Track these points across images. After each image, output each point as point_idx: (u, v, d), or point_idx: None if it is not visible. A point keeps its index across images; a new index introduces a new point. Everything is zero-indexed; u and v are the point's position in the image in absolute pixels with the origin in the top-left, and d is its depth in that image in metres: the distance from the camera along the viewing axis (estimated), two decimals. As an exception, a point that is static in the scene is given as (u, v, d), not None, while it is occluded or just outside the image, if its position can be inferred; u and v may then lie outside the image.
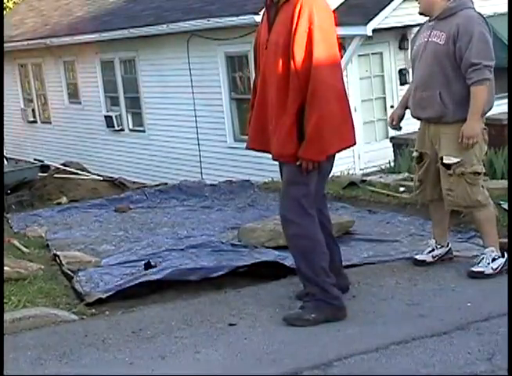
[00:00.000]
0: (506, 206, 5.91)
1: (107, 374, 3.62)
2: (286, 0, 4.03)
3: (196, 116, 13.26)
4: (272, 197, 8.13)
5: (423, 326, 3.95)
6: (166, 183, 10.59)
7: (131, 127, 15.23)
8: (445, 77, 4.65)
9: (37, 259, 5.73)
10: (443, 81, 4.66)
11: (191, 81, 13.16)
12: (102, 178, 12.44)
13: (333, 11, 4.19)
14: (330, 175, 4.54)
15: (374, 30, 11.19)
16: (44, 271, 5.28)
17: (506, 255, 4.73)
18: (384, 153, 11.47)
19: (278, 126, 4.05)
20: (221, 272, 4.90)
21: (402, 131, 5.37)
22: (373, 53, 12.40)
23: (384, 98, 12.68)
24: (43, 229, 7.29)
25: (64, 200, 10.68)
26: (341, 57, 5.82)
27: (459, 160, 4.63)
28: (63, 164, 13.42)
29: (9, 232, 7.06)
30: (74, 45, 15.42)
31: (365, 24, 11.05)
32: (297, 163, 4.01)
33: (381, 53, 12.54)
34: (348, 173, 9.82)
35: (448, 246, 5.06)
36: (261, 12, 4.71)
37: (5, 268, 4.99)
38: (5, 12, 22.50)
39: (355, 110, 11.57)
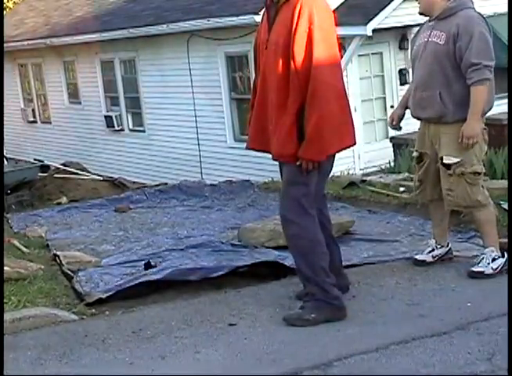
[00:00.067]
0: (506, 206, 5.91)
1: (107, 374, 3.62)
2: (286, 0, 4.03)
3: (196, 116, 13.26)
4: (272, 197, 8.13)
5: (423, 326, 3.95)
6: (166, 183, 10.60)
7: (131, 127, 15.23)
8: (445, 77, 4.65)
9: (37, 259, 5.73)
10: (443, 81, 4.66)
11: (191, 81, 13.16)
12: (102, 178, 12.45)
13: (333, 11, 4.19)
14: (330, 175, 4.54)
15: (374, 30, 11.19)
16: (44, 271, 5.28)
17: (506, 255, 4.73)
18: (384, 153, 11.47)
19: (278, 126, 4.05)
20: (221, 272, 4.90)
21: (402, 131, 5.37)
22: (373, 53, 12.40)
23: (384, 98, 12.68)
24: (43, 229, 7.29)
25: (64, 200, 10.69)
26: (341, 57, 5.82)
27: (459, 160, 4.63)
28: (63, 164, 13.42)
29: (9, 232, 7.07)
30: (74, 45, 15.41)
31: (365, 24, 11.05)
32: (297, 163, 4.01)
33: (381, 53, 12.54)
34: (348, 173, 9.83)
35: (448, 246, 5.06)
36: (261, 12, 4.71)
37: (5, 268, 4.99)
38: (5, 12, 22.50)
39: (355, 110, 11.57)
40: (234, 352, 3.79)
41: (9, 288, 4.78)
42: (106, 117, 15.47)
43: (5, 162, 13.48)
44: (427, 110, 4.74)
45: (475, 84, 4.53)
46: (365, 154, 12.18)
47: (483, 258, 4.71)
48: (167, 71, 13.78)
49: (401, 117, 5.03)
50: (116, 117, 15.23)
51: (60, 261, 5.56)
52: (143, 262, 5.36)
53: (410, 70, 6.76)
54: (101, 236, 6.94)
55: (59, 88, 17.14)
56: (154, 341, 3.97)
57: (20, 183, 11.44)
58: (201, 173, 13.07)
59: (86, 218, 8.06)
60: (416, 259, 5.04)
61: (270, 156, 4.21)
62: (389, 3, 11.27)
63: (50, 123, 17.87)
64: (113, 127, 15.30)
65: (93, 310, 4.53)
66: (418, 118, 4.93)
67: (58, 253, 5.81)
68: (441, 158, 4.71)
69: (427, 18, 4.86)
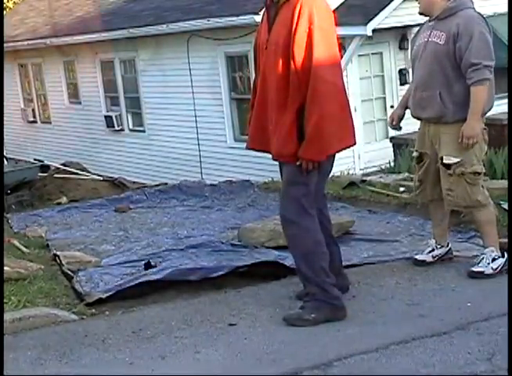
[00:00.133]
0: (506, 206, 5.91)
1: (107, 374, 3.62)
2: (286, 0, 4.03)
3: (196, 116, 13.26)
4: (272, 197, 8.13)
5: (423, 326, 3.95)
6: (166, 183, 10.59)
7: (131, 127, 15.23)
8: (445, 77, 4.65)
9: (37, 259, 5.73)
10: (443, 81, 4.66)
11: (191, 81, 13.16)
12: (102, 178, 12.45)
13: (333, 11, 4.19)
14: (330, 175, 4.54)
15: (374, 30, 11.19)
16: (44, 271, 5.28)
17: (506, 255, 4.73)
18: (384, 153, 11.47)
19: (278, 126, 4.05)
20: (221, 272, 4.90)
21: (402, 131, 5.37)
22: (373, 53, 12.40)
23: (384, 98, 12.68)
24: (43, 229, 7.29)
25: (64, 200, 10.69)
26: (341, 57, 5.83)
27: (459, 160, 4.63)
28: (63, 164, 13.42)
29: (9, 232, 7.07)
30: (74, 45, 15.42)
31: (365, 24, 11.05)
32: (297, 163, 4.01)
33: (381, 53, 12.54)
34: (348, 173, 9.82)
35: (448, 246, 5.06)
36: (261, 12, 4.71)
37: (5, 268, 4.99)
38: (5, 12, 22.50)
39: (355, 110, 11.57)
40: (234, 352, 3.79)
41: (9, 288, 4.78)
42: (106, 117, 15.47)
43: (5, 162, 13.49)
44: (427, 110, 4.74)
45: (475, 84, 4.53)
46: (365, 154, 12.18)
47: (483, 258, 4.71)
48: (167, 71, 13.78)
49: (401, 117, 5.03)
50: (116, 117, 15.23)
51: (60, 261, 5.56)
52: (143, 262, 5.36)
53: (410, 70, 6.77)
54: (101, 236, 6.94)
55: (59, 88, 17.14)
56: (154, 341, 3.97)
57: (20, 183, 11.44)
58: (201, 173, 13.07)
59: (86, 218, 8.05)
60: (416, 259, 5.04)
61: (270, 156, 4.21)
62: (389, 3, 11.27)
63: (50, 123, 17.87)
64: (113, 127, 15.30)
65: (93, 310, 4.53)
66: (418, 118, 4.93)
67: (58, 253, 5.81)
68: (441, 158, 4.71)
69: (427, 18, 4.86)
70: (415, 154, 4.99)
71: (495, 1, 12.03)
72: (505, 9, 10.96)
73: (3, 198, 10.08)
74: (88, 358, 3.82)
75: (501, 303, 4.08)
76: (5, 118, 16.79)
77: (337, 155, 4.21)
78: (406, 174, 8.22)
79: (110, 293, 4.70)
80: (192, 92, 13.17)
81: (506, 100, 9.15)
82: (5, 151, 14.38)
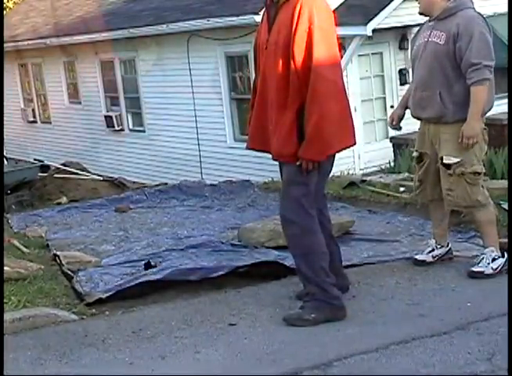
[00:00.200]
0: (506, 206, 5.91)
1: (107, 374, 3.62)
2: (286, 0, 4.03)
3: (196, 116, 13.26)
4: (272, 197, 8.13)
5: (423, 326, 3.95)
6: (166, 183, 10.59)
7: (131, 127, 15.24)
8: (445, 77, 4.65)
9: (37, 259, 5.73)
10: (443, 81, 4.66)
11: (191, 81, 13.16)
12: (102, 178, 12.45)
13: (333, 11, 4.19)
14: (330, 175, 4.54)
15: (374, 30, 11.19)
16: (44, 271, 5.28)
17: (506, 255, 4.73)
18: (384, 153, 11.48)
19: (278, 126, 4.05)
20: (221, 272, 4.90)
21: (402, 131, 5.37)
22: (373, 53, 12.40)
23: (384, 98, 12.68)
24: (43, 229, 7.29)
25: (64, 200, 10.69)
26: (341, 57, 5.84)
27: (459, 160, 4.63)
28: (63, 164, 13.42)
29: (9, 232, 7.06)
30: (74, 45, 15.42)
31: (365, 24, 11.05)
32: (297, 163, 4.01)
33: (381, 53, 12.54)
34: (348, 173, 9.83)
35: (448, 246, 5.06)
36: (261, 12, 4.71)
37: (5, 268, 4.99)
38: (5, 12, 22.50)
39: (355, 110, 11.57)
40: (234, 352, 3.79)
41: (9, 288, 4.77)
42: (106, 117, 15.47)
43: (5, 162, 13.49)
44: (427, 110, 4.74)
45: (475, 84, 4.53)
46: (365, 154, 12.18)
47: (483, 258, 4.71)
48: (167, 71, 13.78)
49: (401, 117, 5.03)
50: (116, 117, 15.23)
51: (60, 261, 5.56)
52: (143, 262, 5.36)
53: (410, 70, 6.76)
54: (101, 236, 6.94)
55: (59, 88, 17.14)
56: (154, 341, 3.97)
57: (20, 183, 11.44)
58: (201, 173, 13.07)
59: (86, 218, 8.05)
60: (416, 259, 5.04)
61: (270, 156, 4.21)
62: (389, 3, 11.27)
63: (50, 123, 17.87)
64: (113, 127, 15.30)
65: (93, 310, 4.53)
66: (418, 118, 4.93)
67: (58, 253, 5.81)
68: (441, 158, 4.71)
69: (427, 18, 4.86)
70: (415, 154, 4.99)
71: (495, 1, 12.03)
72: (505, 9, 10.97)
73: (3, 198, 10.08)
74: (88, 358, 3.82)
75: (501, 303, 4.08)
76: (5, 118, 16.80)
77: (337, 155, 4.21)
78: (406, 174, 8.22)
79: (110, 293, 4.70)
80: (192, 92, 13.17)
81: (506, 100, 9.15)
82: (5, 151, 14.38)
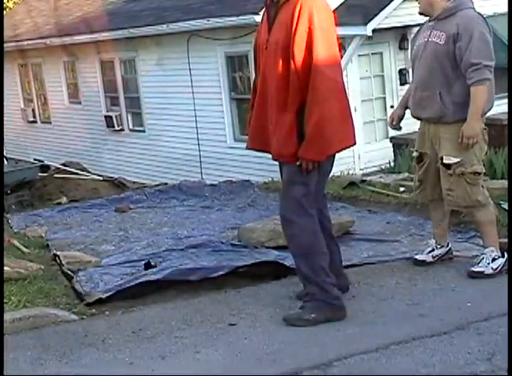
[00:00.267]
0: (506, 206, 5.91)
1: (107, 374, 3.62)
2: (286, 0, 4.03)
3: (196, 116, 13.26)
4: (272, 197, 8.13)
5: (423, 326, 3.95)
6: (166, 183, 10.60)
7: (131, 127, 15.24)
8: (445, 77, 4.65)
9: (37, 259, 5.73)
10: (443, 81, 4.66)
11: (191, 81, 13.16)
12: (102, 178, 12.46)
13: (333, 11, 4.19)
14: (330, 175, 4.54)
15: (374, 30, 11.19)
16: (44, 271, 5.28)
17: (506, 255, 4.73)
18: (384, 153, 11.48)
19: (278, 126, 4.05)
20: (221, 272, 4.90)
21: (402, 131, 5.37)
22: (373, 53, 12.41)
23: (384, 98, 12.68)
24: (43, 229, 7.29)
25: (64, 200, 10.69)
26: (341, 57, 5.84)
27: (459, 160, 4.63)
28: (63, 164, 13.43)
29: (9, 232, 7.06)
30: (74, 45, 15.42)
31: (365, 24, 11.06)
32: (297, 163, 4.02)
33: (381, 53, 12.54)
34: (348, 173, 9.82)
35: (448, 246, 5.06)
36: (261, 12, 4.71)
37: (5, 268, 4.99)
38: (5, 12, 22.50)
39: (355, 110, 11.58)
40: (234, 352, 3.79)
41: (9, 288, 4.77)
42: (106, 117, 15.47)
43: (5, 162, 13.49)
44: (427, 110, 4.74)
45: (475, 84, 4.53)
46: (365, 154, 12.18)
47: (483, 258, 4.71)
48: (167, 71, 13.78)
49: (401, 117, 5.03)
50: (116, 117, 15.23)
51: (60, 261, 5.56)
52: (143, 262, 5.36)
53: (410, 70, 6.76)
54: (101, 236, 6.94)
55: (59, 88, 17.14)
56: (154, 341, 3.97)
57: (20, 183, 11.44)
58: (201, 173, 13.07)
59: (86, 218, 8.05)
60: (416, 259, 5.04)
61: (270, 156, 4.21)
62: (389, 3, 11.27)
63: (50, 123, 17.87)
64: (113, 127, 15.30)
65: (93, 310, 4.53)
66: (418, 118, 4.93)
67: (58, 253, 5.81)
68: (441, 158, 4.71)
69: (427, 18, 4.85)
70: (415, 154, 4.99)
71: (495, 1, 12.03)
72: (505, 9, 10.97)
73: (3, 198, 10.08)
74: (88, 358, 3.82)
75: (501, 303, 4.08)
76: (5, 118, 16.80)
77: (337, 155, 4.21)
78: (406, 174, 8.22)
79: (110, 293, 4.70)
80: (192, 92, 13.17)
81: (506, 100, 9.15)
82: (5, 151, 14.38)
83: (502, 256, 4.72)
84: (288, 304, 4.38)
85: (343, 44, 10.76)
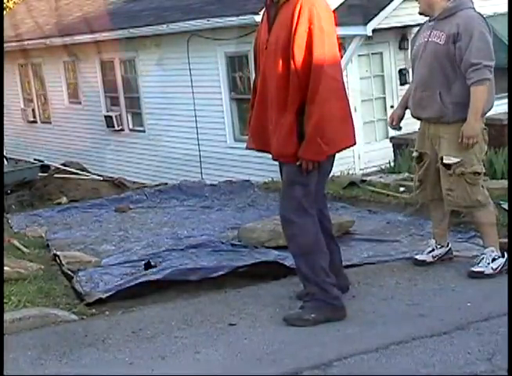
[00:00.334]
0: (506, 206, 5.91)
1: (107, 374, 3.62)
2: (286, 0, 4.03)
3: (196, 116, 13.26)
4: (272, 197, 8.13)
5: (423, 326, 3.95)
6: (166, 183, 10.60)
7: (131, 127, 15.24)
8: (445, 77, 4.65)
9: (37, 259, 5.73)
10: (443, 81, 4.66)
11: (191, 81, 13.16)
12: (102, 178, 12.46)
13: (333, 11, 4.19)
14: (330, 175, 4.54)
15: (374, 30, 11.19)
16: (44, 271, 5.28)
17: (506, 255, 4.73)
18: (384, 153, 11.48)
19: (278, 126, 4.05)
20: (221, 272, 4.90)
21: (402, 131, 5.37)
22: (373, 53, 12.40)
23: (384, 98, 12.68)
24: (43, 229, 7.29)
25: (64, 200, 10.70)
26: (341, 57, 5.83)
27: (459, 160, 4.63)
28: (63, 164, 13.44)
29: (9, 232, 7.06)
30: (74, 45, 15.42)
31: (365, 24, 11.05)
32: (297, 163, 4.01)
33: (381, 53, 12.54)
34: (348, 173, 9.82)
35: (448, 246, 5.06)
36: (261, 12, 4.71)
37: (5, 268, 4.99)
38: (5, 12, 22.50)
39: (355, 110, 11.57)
40: (234, 352, 3.79)
41: (9, 288, 4.77)
42: (106, 117, 15.47)
43: (5, 162, 13.50)
44: (427, 110, 4.74)
45: (475, 84, 4.53)
46: (365, 154, 12.18)
47: (483, 258, 4.71)
48: (167, 71, 13.78)
49: (401, 117, 5.03)
50: (116, 117, 15.22)
51: (60, 261, 5.56)
52: (143, 262, 5.36)
53: (410, 70, 6.77)
54: (101, 236, 6.94)
55: (59, 88, 17.14)
56: (154, 341, 3.97)
57: (20, 183, 11.45)
58: (201, 173, 13.07)
59: (86, 218, 8.05)
60: (416, 259, 5.04)
61: (270, 156, 4.21)
62: (389, 3, 11.27)
63: (50, 123, 17.87)
64: (113, 127, 15.30)
65: (93, 310, 4.53)
66: (418, 118, 4.93)
67: (58, 253, 5.81)
68: (441, 158, 4.70)
69: (427, 18, 4.85)
70: (415, 154, 4.99)
71: (495, 1, 12.03)
72: (505, 9, 10.96)
73: (3, 198, 10.08)
74: (88, 358, 3.82)
75: (501, 303, 4.08)
76: (5, 118, 16.80)
77: (337, 155, 4.21)
78: (406, 174, 8.22)
79: (110, 293, 4.70)
80: (192, 92, 13.17)
81: (506, 100, 9.14)
82: (5, 151, 14.38)
83: (503, 256, 4.72)
84: (288, 304, 4.38)
85: (343, 44, 10.76)
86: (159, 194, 9.01)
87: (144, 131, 14.82)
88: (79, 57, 16.08)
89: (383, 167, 10.74)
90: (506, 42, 10.72)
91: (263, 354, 3.73)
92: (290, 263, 4.70)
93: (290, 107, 3.99)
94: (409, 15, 10.61)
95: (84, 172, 12.92)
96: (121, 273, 5.25)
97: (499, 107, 8.27)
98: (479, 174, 4.70)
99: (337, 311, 4.13)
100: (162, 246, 6.15)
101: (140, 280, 4.86)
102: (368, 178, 8.38)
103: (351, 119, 4.18)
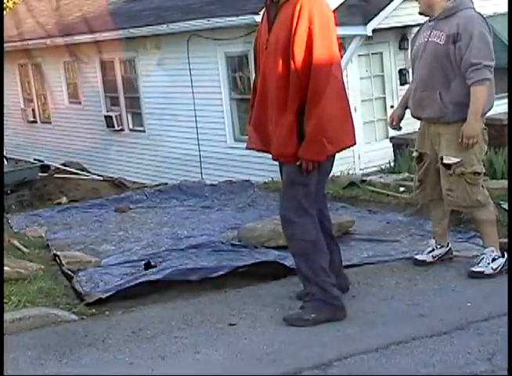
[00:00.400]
0: (506, 206, 5.91)
1: (107, 374, 3.62)
2: (286, 0, 4.03)
3: (196, 116, 13.26)
4: (272, 196, 8.13)
5: (423, 326, 3.95)
6: (166, 183, 10.60)
7: (131, 127, 15.24)
8: (445, 77, 4.65)
9: (37, 259, 5.73)
10: (443, 81, 4.66)
11: (191, 81, 13.16)
12: (102, 178, 12.46)
13: (333, 11, 4.19)
14: (330, 175, 4.55)
15: (374, 30, 11.19)
16: (44, 271, 5.28)
17: (506, 255, 4.73)
18: (384, 153, 11.48)
19: (278, 126, 4.05)
20: (221, 272, 4.90)
21: (402, 131, 5.37)
22: (373, 53, 12.41)
23: (384, 98, 12.68)
24: (43, 229, 7.29)
25: (64, 200, 10.69)
26: (341, 57, 5.84)
27: (459, 160, 4.63)
28: (63, 164, 13.44)
29: (9, 232, 7.06)
30: (74, 44, 15.41)
31: (365, 24, 11.06)
32: (297, 163, 4.01)
33: (381, 53, 12.54)
34: (348, 173, 9.82)
35: (448, 246, 5.06)
36: (261, 12, 4.71)
37: (5, 268, 4.99)
38: (5, 12, 22.50)
39: (355, 110, 11.57)
40: (234, 352, 3.79)
41: (9, 288, 4.77)
42: (106, 117, 15.47)
43: (5, 162, 13.49)
44: (427, 110, 4.74)
45: (475, 84, 4.53)
46: (365, 154, 12.18)
47: (483, 258, 4.71)
48: (167, 71, 13.78)
49: (401, 117, 5.03)
50: (116, 117, 15.23)
51: (60, 261, 5.56)
52: (143, 262, 5.36)
53: (410, 70, 6.76)
54: (101, 236, 6.94)
55: (59, 88, 17.14)
56: (154, 341, 3.97)
57: (20, 183, 11.44)
58: (201, 173, 13.07)
59: (86, 218, 8.05)
60: (416, 259, 5.04)
61: (270, 156, 4.21)
62: (389, 3, 11.27)
63: (50, 123, 17.87)
64: (113, 127, 15.30)
65: (93, 310, 4.53)
66: (418, 118, 4.93)
67: (58, 253, 5.81)
68: (441, 158, 4.70)
69: (427, 18, 4.85)
70: (415, 154, 4.99)
71: (495, 1, 12.03)
72: (505, 9, 10.96)
73: (3, 198, 10.07)
74: (88, 358, 3.82)
75: (501, 303, 4.08)
76: (5, 118, 16.79)
77: (337, 155, 4.21)
78: (406, 174, 8.22)
79: (110, 293, 4.70)
80: (192, 92, 13.17)
81: (506, 100, 9.14)
82: (5, 151, 14.38)
83: (503, 256, 4.72)
84: (288, 304, 4.38)
85: (343, 44, 10.76)
86: (159, 194, 9.01)
87: (144, 131, 14.82)
88: (79, 57, 16.07)
89: (383, 167, 10.74)
90: (506, 42, 10.72)
91: (263, 354, 3.73)
92: (290, 263, 4.70)
93: (290, 107, 3.99)
94: (409, 15, 10.61)
95: (84, 172, 12.92)
96: (121, 273, 5.25)
97: (499, 107, 8.27)
98: (479, 174, 4.70)
99: (337, 311, 4.13)
100: (162, 246, 6.16)
101: (140, 280, 4.86)
102: (368, 178, 8.38)
103: (351, 119, 4.18)
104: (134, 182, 12.38)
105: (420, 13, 4.89)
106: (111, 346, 3.94)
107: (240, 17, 11.45)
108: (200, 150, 13.38)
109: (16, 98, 18.85)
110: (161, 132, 14.28)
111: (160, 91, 13.97)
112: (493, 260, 4.69)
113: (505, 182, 6.69)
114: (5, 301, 4.52)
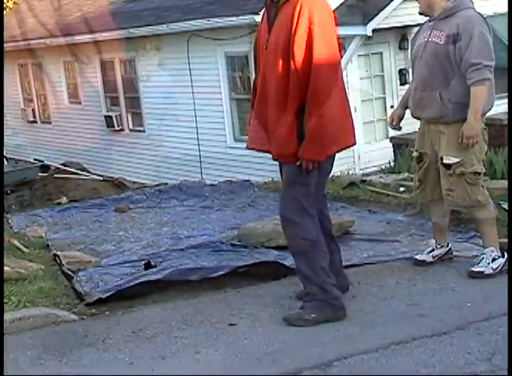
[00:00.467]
0: (506, 206, 5.91)
1: (107, 374, 3.62)
2: (286, 0, 4.03)
3: (196, 116, 13.26)
4: (272, 196, 8.13)
5: (423, 326, 3.95)
6: (166, 183, 10.60)
7: (131, 127, 15.24)
8: (445, 77, 4.65)
9: (37, 259, 5.73)
10: (443, 81, 4.66)
11: (191, 81, 13.16)
12: (102, 178, 12.46)
13: (333, 11, 4.19)
14: (330, 175, 4.54)
15: (374, 30, 11.19)
16: (44, 271, 5.28)
17: (506, 255, 4.73)
18: (384, 153, 11.48)
19: (278, 126, 4.05)
20: (221, 272, 4.90)
21: (402, 131, 5.37)
22: (373, 53, 12.41)
23: (384, 98, 12.69)
24: (43, 229, 7.29)
25: (64, 200, 10.69)
26: (341, 57, 5.83)
27: (459, 160, 4.63)
28: (63, 164, 13.44)
29: (9, 232, 7.06)
30: (74, 44, 15.41)
31: (365, 24, 11.06)
32: (297, 163, 4.01)
33: (381, 53, 12.55)
34: (348, 173, 9.82)
35: (448, 246, 5.06)
36: (261, 12, 4.71)
37: (5, 268, 4.99)
38: (5, 12, 22.49)
39: (355, 110, 11.58)
40: (234, 352, 3.79)
41: (9, 288, 4.77)
42: (106, 117, 15.47)
43: (5, 162, 13.49)
44: (427, 110, 4.74)
45: (475, 84, 4.52)
46: (365, 154, 12.18)
47: (483, 258, 4.71)
48: (167, 71, 13.78)
49: (401, 117, 5.03)
50: (116, 117, 15.23)
51: (60, 261, 5.56)
52: (143, 262, 5.36)
53: (410, 70, 6.77)
54: (101, 236, 6.94)
55: (59, 88, 17.14)
56: (154, 341, 3.97)
57: (20, 183, 11.44)
58: (201, 173, 13.07)
59: (86, 218, 8.05)
60: (416, 259, 5.04)
61: (270, 156, 4.21)
62: (389, 3, 11.27)
63: (50, 123, 17.87)
64: (113, 127, 15.31)
65: (93, 310, 4.52)
66: (418, 118, 4.93)
67: (58, 253, 5.80)
68: (441, 158, 4.70)
69: (427, 18, 4.85)
70: (415, 154, 4.99)
71: (495, 1, 12.03)
72: (505, 9, 10.96)
73: (3, 198, 10.07)
74: (88, 358, 3.82)
75: (501, 303, 4.08)
76: (5, 118, 16.79)
77: (337, 155, 4.21)
78: (406, 174, 8.22)
79: (110, 293, 4.69)
80: (192, 92, 13.18)
81: (506, 100, 9.15)
82: (5, 151, 14.38)
83: (503, 256, 4.72)
84: (288, 304, 4.38)
85: (343, 44, 10.75)
86: (159, 194, 9.01)
87: (144, 131, 14.82)
88: (78, 57, 16.06)
89: (383, 167, 10.74)
90: (506, 42, 10.72)
91: (263, 354, 3.73)
92: (290, 263, 4.70)
93: (289, 107, 3.99)
94: (409, 15, 10.62)
95: (84, 172, 12.92)
96: (121, 273, 5.25)
97: (499, 107, 8.27)
98: (479, 174, 4.70)
99: (337, 311, 4.13)
100: (162, 246, 6.16)
101: (140, 280, 4.86)
102: (368, 178, 8.38)
103: (351, 119, 4.18)
104: (134, 182, 12.38)
105: (420, 13, 4.89)
106: (111, 346, 3.94)
107: (240, 17, 11.46)
108: (199, 150, 13.38)
109: (16, 98, 18.85)
110: (161, 132, 14.28)
111: (160, 91, 13.97)
112: (493, 260, 4.69)
113: (505, 182, 6.69)
114: (5, 301, 4.53)
